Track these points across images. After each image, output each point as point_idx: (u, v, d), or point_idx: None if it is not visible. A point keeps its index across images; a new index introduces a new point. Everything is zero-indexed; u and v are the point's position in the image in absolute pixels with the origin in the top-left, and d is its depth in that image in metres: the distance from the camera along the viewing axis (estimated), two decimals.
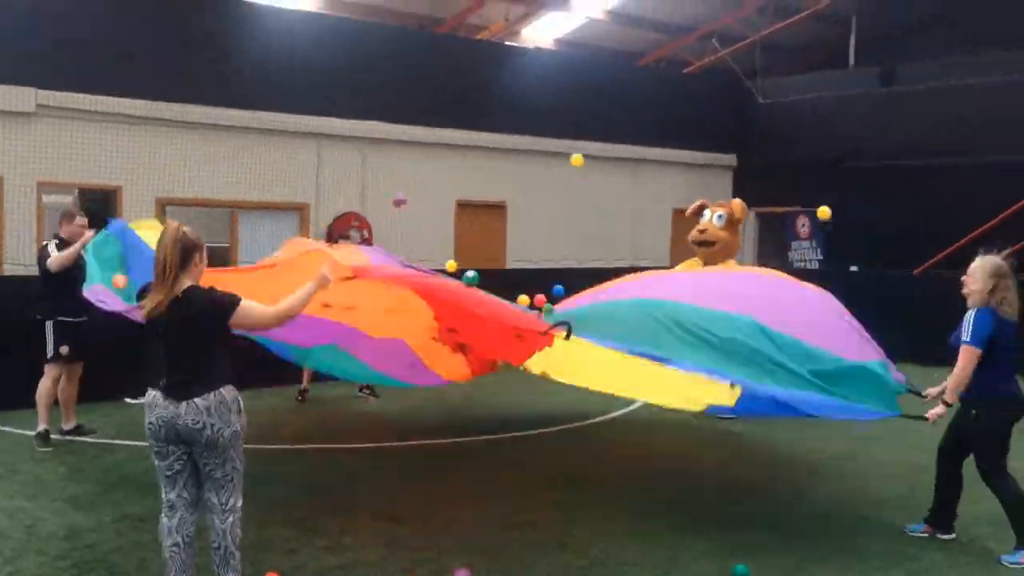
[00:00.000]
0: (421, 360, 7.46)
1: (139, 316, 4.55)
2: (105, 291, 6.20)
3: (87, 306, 6.92)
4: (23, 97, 11.17)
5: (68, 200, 11.39)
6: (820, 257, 17.72)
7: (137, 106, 11.72)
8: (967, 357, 5.50)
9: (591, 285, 7.84)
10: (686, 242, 9.69)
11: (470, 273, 6.51)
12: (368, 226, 13.57)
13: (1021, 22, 17.85)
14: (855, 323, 6.39)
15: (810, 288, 7.00)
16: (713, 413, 7.16)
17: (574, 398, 8.89)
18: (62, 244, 7.65)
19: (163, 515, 4.48)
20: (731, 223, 9.30)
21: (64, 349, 7.63)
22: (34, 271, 8.24)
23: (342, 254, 6.49)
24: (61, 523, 5.88)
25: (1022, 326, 5.66)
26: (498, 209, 15.77)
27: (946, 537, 5.89)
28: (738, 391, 5.43)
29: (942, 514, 5.92)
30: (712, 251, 9.25)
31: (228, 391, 4.39)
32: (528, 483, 7.15)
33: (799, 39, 22.46)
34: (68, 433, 8.02)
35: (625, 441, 8.75)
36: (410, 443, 8.26)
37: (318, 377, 10.02)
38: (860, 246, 15.92)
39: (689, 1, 20.37)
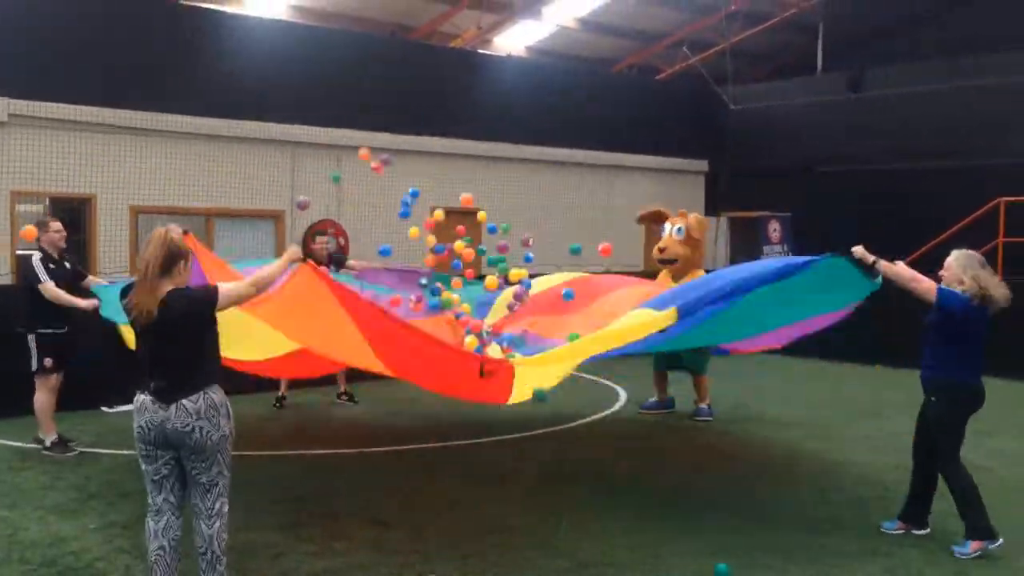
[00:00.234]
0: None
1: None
2: None
3: (69, 316, 6.90)
4: None
5: (38, 209, 11.29)
6: None
7: (110, 115, 11.64)
8: (928, 281, 5.65)
9: None
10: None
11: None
12: (344, 233, 13.55)
13: (988, 27, 18.12)
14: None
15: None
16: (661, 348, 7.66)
17: (558, 402, 8.95)
18: (45, 256, 7.63)
19: (149, 519, 4.50)
20: (690, 238, 9.48)
21: (48, 361, 7.59)
22: (7, 280, 8.18)
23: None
24: (45, 531, 5.86)
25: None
26: (472, 215, 15.74)
27: (920, 533, 5.98)
28: (673, 311, 5.76)
29: (916, 509, 6.02)
30: (675, 268, 9.44)
31: (217, 393, 4.42)
32: (513, 486, 7.21)
33: (769, 46, 22.70)
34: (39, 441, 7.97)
35: (609, 443, 8.82)
36: (394, 448, 8.29)
37: (295, 384, 10.04)
38: (830, 250, 16.02)
39: (659, 9, 20.51)
